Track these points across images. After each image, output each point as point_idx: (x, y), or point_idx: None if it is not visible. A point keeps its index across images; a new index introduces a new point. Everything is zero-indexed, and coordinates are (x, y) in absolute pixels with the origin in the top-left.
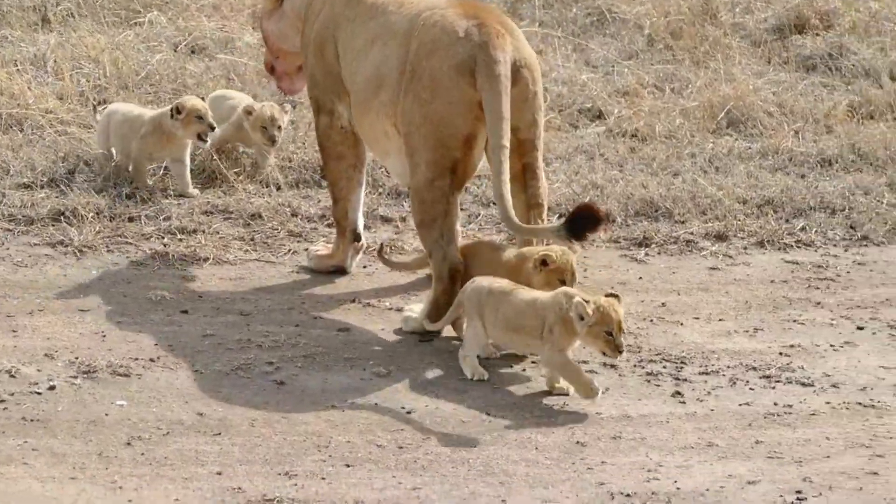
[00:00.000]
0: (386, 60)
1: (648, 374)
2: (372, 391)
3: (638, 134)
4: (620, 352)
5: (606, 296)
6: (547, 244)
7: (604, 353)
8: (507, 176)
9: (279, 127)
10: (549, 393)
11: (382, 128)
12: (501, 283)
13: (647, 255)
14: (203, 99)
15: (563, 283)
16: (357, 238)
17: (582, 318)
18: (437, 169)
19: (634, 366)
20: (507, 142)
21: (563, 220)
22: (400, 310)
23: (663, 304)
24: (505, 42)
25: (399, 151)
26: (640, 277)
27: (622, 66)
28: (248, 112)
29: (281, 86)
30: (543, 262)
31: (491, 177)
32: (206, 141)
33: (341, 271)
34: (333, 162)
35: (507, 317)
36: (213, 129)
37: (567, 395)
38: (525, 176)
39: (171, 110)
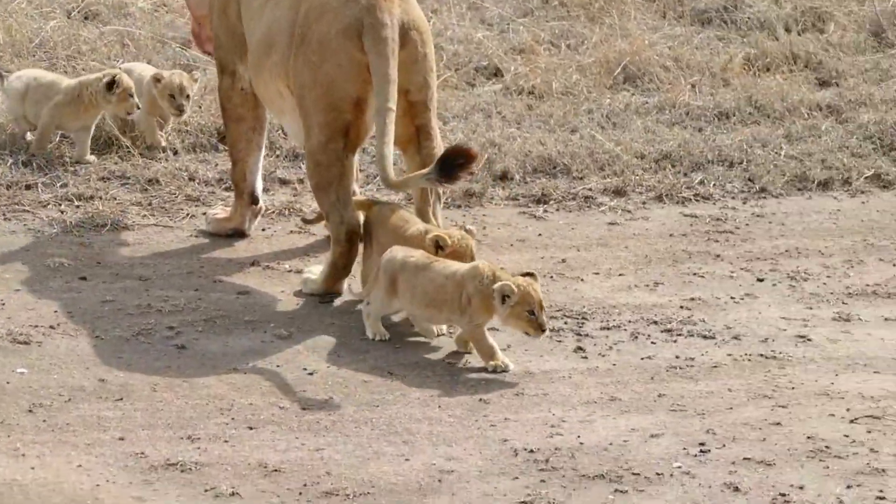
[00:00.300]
0: (277, 21)
1: (550, 330)
2: (273, 353)
3: (535, 91)
4: (543, 330)
5: (522, 275)
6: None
7: (527, 333)
8: (390, 138)
9: (188, 96)
10: (455, 353)
11: (276, 88)
12: (417, 256)
13: (545, 211)
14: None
15: None
16: (255, 201)
17: (505, 300)
18: (330, 132)
19: None
20: (393, 104)
21: (434, 164)
22: (299, 272)
23: (563, 261)
24: (392, 4)
25: (293, 111)
26: (540, 234)
27: (517, 23)
28: (157, 80)
29: (206, 49)
30: (437, 245)
31: (376, 138)
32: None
33: (240, 234)
34: (233, 124)
35: (425, 291)
36: (138, 108)
37: (471, 353)
38: (419, 137)
39: (107, 84)
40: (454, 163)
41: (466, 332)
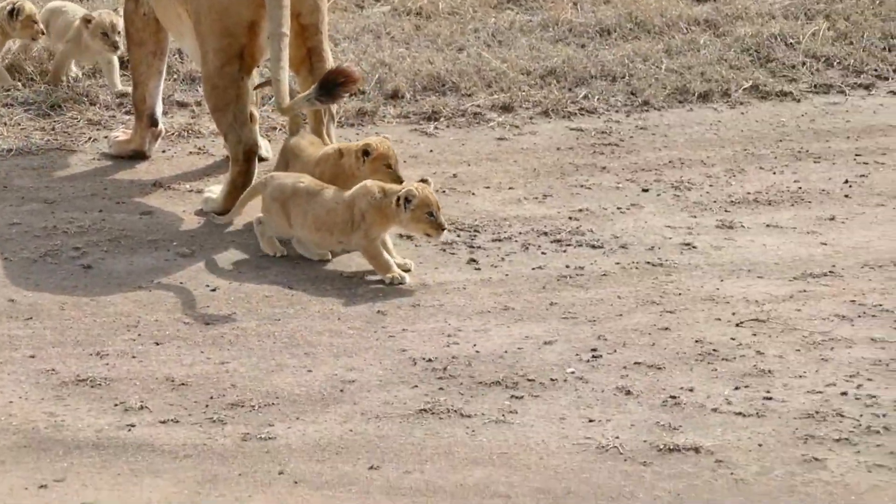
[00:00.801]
0: None
1: (443, 242)
2: (177, 271)
3: (422, 12)
4: (444, 229)
5: (417, 182)
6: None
7: (428, 235)
8: (285, 62)
9: (119, 32)
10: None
11: (175, 11)
12: (306, 182)
13: (436, 128)
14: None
15: (389, 167)
16: (154, 123)
17: (407, 204)
18: (226, 56)
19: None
20: (286, 28)
21: (315, 85)
22: (200, 192)
23: (454, 176)
24: None
25: (192, 34)
26: (431, 150)
27: None
28: (87, 21)
29: None
30: (365, 152)
31: (270, 63)
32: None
33: (141, 156)
34: (135, 47)
35: (317, 216)
36: (43, 34)
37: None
38: (311, 59)
39: (9, 12)
40: (335, 83)
41: (362, 249)
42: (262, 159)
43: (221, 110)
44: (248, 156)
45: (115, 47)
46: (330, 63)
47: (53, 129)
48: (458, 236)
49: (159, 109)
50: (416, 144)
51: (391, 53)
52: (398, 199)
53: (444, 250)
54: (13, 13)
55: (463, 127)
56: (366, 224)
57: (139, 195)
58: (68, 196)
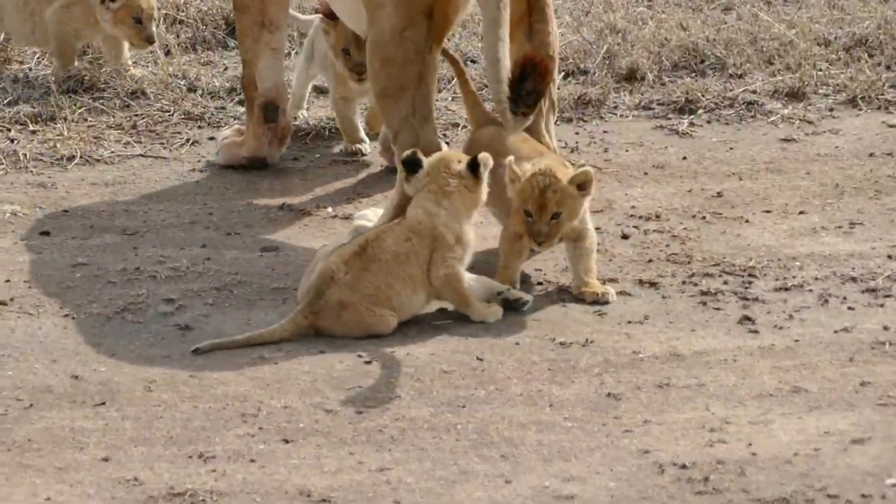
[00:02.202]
0: None
1: (704, 293)
2: (313, 333)
3: None
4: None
5: None
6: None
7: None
8: (505, 28)
9: (151, 17)
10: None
11: None
12: None
13: (692, 125)
14: None
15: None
16: (272, 117)
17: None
18: (407, 14)
19: (683, 283)
20: None
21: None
22: (348, 218)
23: (719, 194)
24: None
25: None
26: (685, 157)
27: None
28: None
29: None
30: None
31: (482, 29)
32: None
33: (260, 164)
34: (238, 13)
35: None
36: (151, 42)
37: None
38: (531, 17)
39: None
40: (522, 89)
41: None
42: None
43: (393, 96)
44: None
45: (149, 41)
46: (554, 26)
47: (135, 126)
48: (725, 283)
49: (282, 97)
50: (662, 148)
51: (626, 14)
52: None
53: (705, 304)
54: None
55: (731, 123)
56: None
57: (258, 223)
58: (156, 225)
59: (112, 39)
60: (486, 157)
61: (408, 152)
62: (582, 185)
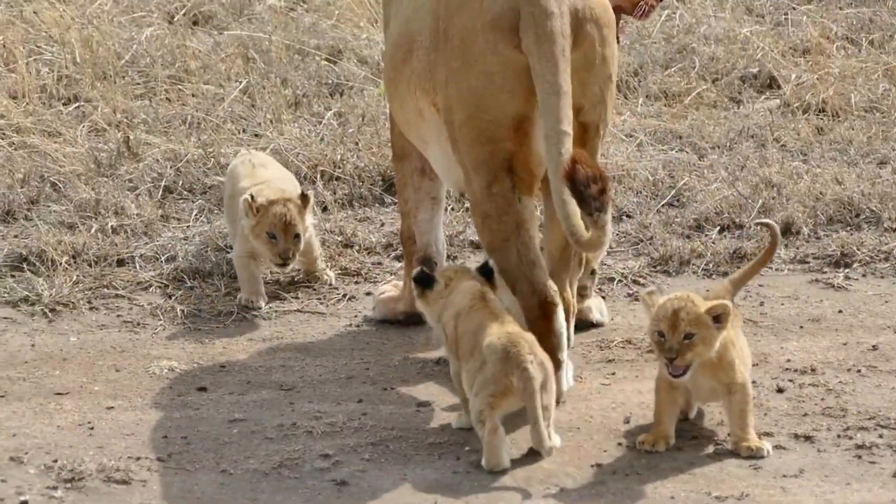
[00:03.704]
0: (417, 13)
1: (859, 447)
2: (471, 490)
3: (826, 108)
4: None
5: None
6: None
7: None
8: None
9: (297, 235)
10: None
11: (415, 105)
12: None
13: (847, 278)
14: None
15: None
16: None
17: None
18: (490, 170)
19: (838, 436)
20: (568, 126)
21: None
22: None
23: (874, 348)
24: None
25: (440, 138)
26: (840, 311)
27: (798, 12)
28: (251, 205)
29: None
30: None
31: (549, 174)
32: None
33: (416, 319)
34: (397, 162)
35: None
36: (289, 258)
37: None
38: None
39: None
40: (584, 195)
41: None
42: (593, 324)
43: (500, 248)
44: (544, 309)
45: (283, 261)
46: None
47: (292, 281)
48: (881, 437)
49: (440, 250)
50: (817, 302)
51: (781, 169)
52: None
53: (860, 457)
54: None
55: (886, 276)
56: None
57: (415, 379)
58: (313, 380)
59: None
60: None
61: (416, 270)
62: (718, 317)
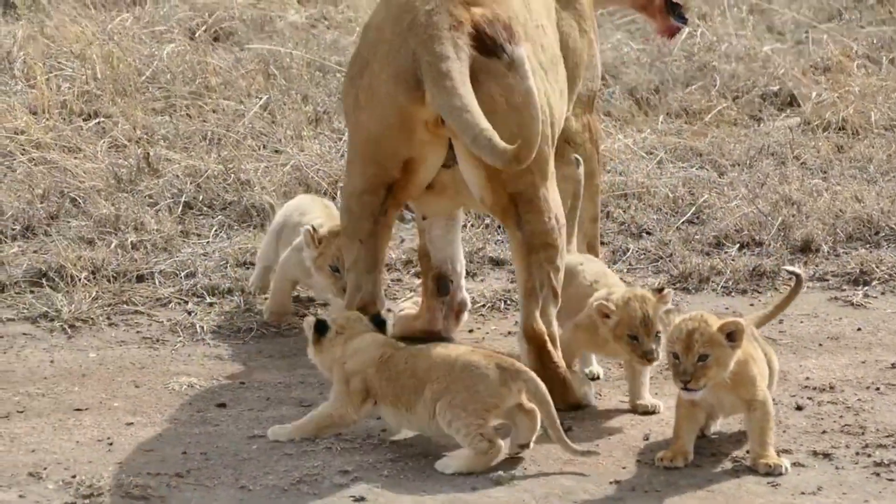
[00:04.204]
0: (365, 38)
1: (877, 464)
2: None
3: (846, 126)
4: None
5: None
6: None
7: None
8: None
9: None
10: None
11: (353, 91)
12: None
13: (866, 296)
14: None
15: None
16: (444, 290)
17: None
18: (370, 183)
19: (857, 454)
20: (486, 123)
21: None
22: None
23: (893, 366)
24: (463, 27)
25: None
26: (859, 329)
27: (819, 30)
28: (313, 236)
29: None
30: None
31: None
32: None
33: (434, 337)
34: None
35: None
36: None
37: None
38: (518, 208)
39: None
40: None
41: None
42: (648, 412)
43: (349, 240)
44: (362, 310)
45: (343, 291)
46: (550, 214)
47: (311, 299)
48: None
49: (457, 270)
50: (836, 320)
51: (801, 186)
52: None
53: (879, 475)
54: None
55: None
56: None
57: None
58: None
59: None
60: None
61: (311, 318)
62: (731, 334)
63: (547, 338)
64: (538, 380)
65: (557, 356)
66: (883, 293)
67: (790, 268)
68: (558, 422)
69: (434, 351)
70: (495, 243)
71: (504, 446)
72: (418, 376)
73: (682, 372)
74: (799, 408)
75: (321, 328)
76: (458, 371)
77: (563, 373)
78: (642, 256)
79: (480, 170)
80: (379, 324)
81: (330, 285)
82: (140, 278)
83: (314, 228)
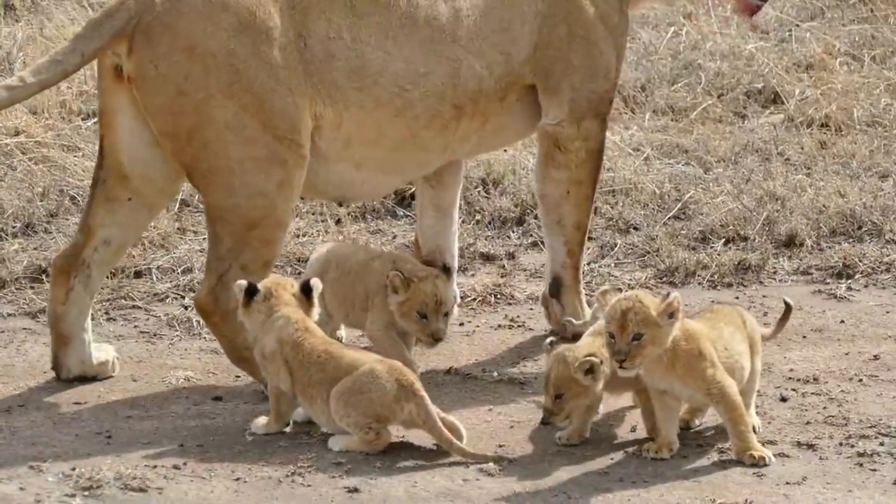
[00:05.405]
0: None
1: (860, 454)
2: (480, 497)
3: (829, 122)
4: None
5: None
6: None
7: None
8: None
9: (447, 313)
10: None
11: None
12: None
13: (849, 289)
14: None
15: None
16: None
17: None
18: (233, 230)
19: (840, 444)
20: None
21: None
22: (513, 381)
23: (876, 357)
24: None
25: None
26: (842, 321)
27: (802, 29)
28: (400, 278)
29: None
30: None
31: None
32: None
33: None
34: None
35: None
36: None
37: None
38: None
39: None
40: None
41: None
42: None
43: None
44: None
45: (435, 339)
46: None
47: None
48: (882, 444)
49: (451, 260)
50: (820, 312)
51: (785, 182)
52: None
53: (862, 465)
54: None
55: (888, 287)
56: None
57: (426, 388)
58: None
59: None
60: (317, 282)
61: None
62: (672, 314)
63: None
64: (428, 404)
65: None
66: (866, 286)
67: (786, 299)
68: (453, 441)
69: (347, 354)
70: (485, 239)
71: (390, 436)
72: (326, 373)
73: (618, 351)
74: (783, 399)
75: (251, 292)
76: (360, 375)
77: None
78: (630, 251)
79: None
80: (306, 291)
81: (417, 332)
82: (138, 274)
83: (402, 273)
